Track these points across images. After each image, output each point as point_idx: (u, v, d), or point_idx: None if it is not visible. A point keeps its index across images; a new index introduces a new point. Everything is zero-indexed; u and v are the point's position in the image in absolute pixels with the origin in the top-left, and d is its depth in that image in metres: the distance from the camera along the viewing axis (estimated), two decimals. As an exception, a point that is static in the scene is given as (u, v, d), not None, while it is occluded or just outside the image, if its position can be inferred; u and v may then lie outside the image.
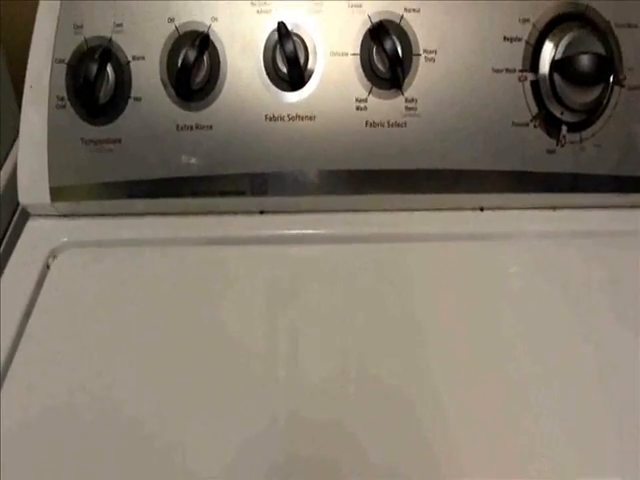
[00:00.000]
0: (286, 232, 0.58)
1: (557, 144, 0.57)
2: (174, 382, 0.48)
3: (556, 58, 0.56)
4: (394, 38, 0.55)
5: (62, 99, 0.57)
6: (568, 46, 0.55)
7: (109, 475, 0.43)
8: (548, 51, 0.56)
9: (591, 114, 0.57)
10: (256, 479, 0.43)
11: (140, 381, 0.48)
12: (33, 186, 0.58)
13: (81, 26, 0.57)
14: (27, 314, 0.52)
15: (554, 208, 0.59)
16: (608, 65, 0.55)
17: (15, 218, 0.61)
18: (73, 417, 0.46)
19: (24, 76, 0.58)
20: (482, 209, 0.59)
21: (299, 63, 0.55)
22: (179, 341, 0.50)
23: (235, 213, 0.59)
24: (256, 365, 0.49)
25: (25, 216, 0.59)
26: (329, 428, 0.45)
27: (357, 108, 0.56)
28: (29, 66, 0.58)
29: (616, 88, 0.57)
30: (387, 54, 0.55)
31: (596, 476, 0.43)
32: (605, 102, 0.57)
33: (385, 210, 0.59)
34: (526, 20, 0.56)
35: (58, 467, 0.44)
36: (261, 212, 0.59)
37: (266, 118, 0.57)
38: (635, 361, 0.49)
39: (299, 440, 0.45)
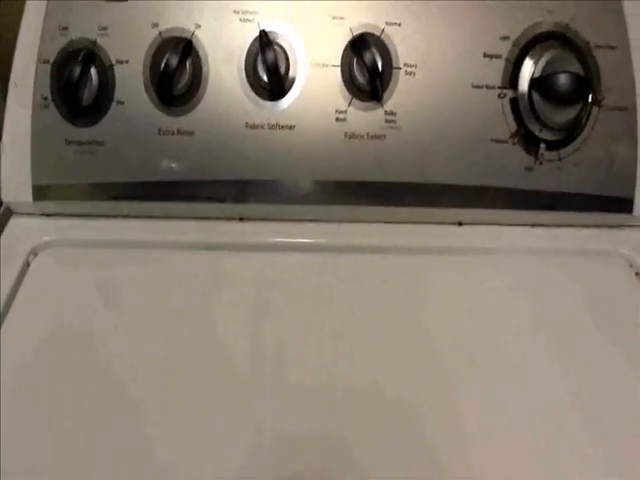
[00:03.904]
0: (265, 240, 0.59)
1: (535, 162, 0.57)
2: (152, 391, 0.48)
3: (535, 76, 0.56)
4: (374, 51, 0.55)
5: (46, 99, 0.58)
6: (547, 64, 0.56)
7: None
8: (528, 69, 0.56)
9: (570, 133, 0.57)
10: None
11: (116, 384, 0.48)
12: (16, 184, 0.58)
13: (66, 27, 0.58)
14: (5, 311, 0.53)
15: (532, 225, 0.59)
16: (586, 85, 0.55)
17: (-1, 216, 0.62)
18: (49, 418, 0.46)
19: (9, 75, 0.59)
20: (460, 224, 0.59)
21: (279, 72, 0.56)
22: (157, 345, 0.51)
23: (215, 219, 0.59)
24: (237, 375, 0.49)
25: (8, 214, 0.60)
26: (318, 440, 0.46)
27: (337, 119, 0.57)
28: (14, 65, 0.59)
29: (594, 108, 0.57)
30: (367, 66, 0.55)
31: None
32: (584, 121, 0.57)
33: (363, 221, 0.59)
34: (506, 38, 0.57)
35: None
36: (240, 219, 0.59)
37: (247, 126, 0.57)
38: (615, 375, 0.49)
39: (288, 453, 0.45)
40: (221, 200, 0.58)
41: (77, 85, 0.56)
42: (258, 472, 0.44)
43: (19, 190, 0.58)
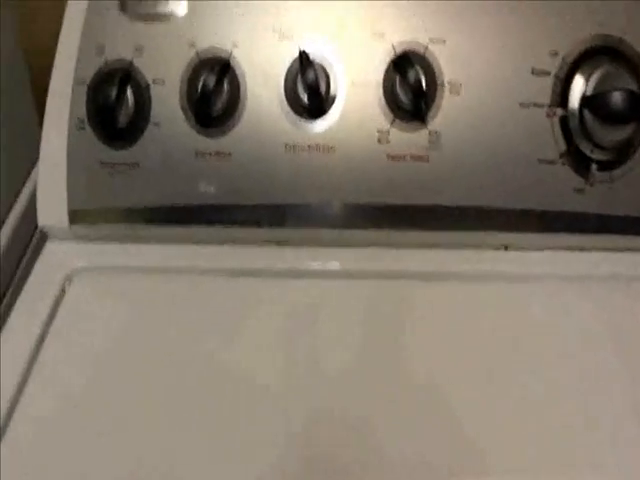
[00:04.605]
0: (302, 266, 0.57)
1: (586, 183, 0.55)
2: (185, 416, 0.47)
3: (586, 94, 0.54)
4: (418, 69, 0.53)
5: (82, 121, 0.57)
6: (599, 81, 0.53)
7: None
8: (578, 86, 0.54)
9: (623, 153, 0.55)
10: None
11: (152, 410, 0.48)
12: (52, 208, 0.58)
13: (102, 48, 0.57)
14: (41, 338, 0.52)
15: (581, 249, 0.57)
16: (640, 102, 0.53)
17: (34, 240, 0.61)
18: (83, 445, 0.46)
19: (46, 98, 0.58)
20: (506, 248, 0.57)
21: (320, 92, 0.54)
22: (192, 372, 0.50)
23: (251, 244, 0.58)
24: (269, 402, 0.48)
25: (44, 238, 0.59)
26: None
27: (379, 140, 0.55)
28: (51, 87, 0.58)
29: (650, 126, 0.54)
30: (410, 85, 0.53)
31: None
32: (637, 140, 0.55)
33: (405, 246, 0.57)
34: (555, 53, 0.54)
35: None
36: (278, 243, 0.58)
37: (286, 147, 0.55)
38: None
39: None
40: (258, 224, 0.56)
41: (113, 107, 0.55)
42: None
43: (55, 214, 0.58)
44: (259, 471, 0.44)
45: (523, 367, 0.50)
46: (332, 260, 0.57)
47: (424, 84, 0.54)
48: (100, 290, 0.56)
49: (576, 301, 0.54)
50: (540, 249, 0.56)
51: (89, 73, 0.57)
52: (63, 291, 0.56)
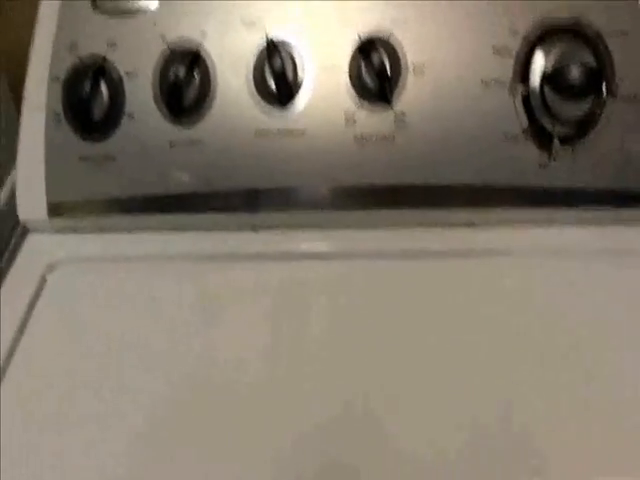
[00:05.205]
0: (278, 248, 0.58)
1: (549, 157, 0.56)
2: (167, 406, 0.48)
3: (546, 70, 0.55)
4: (382, 53, 0.55)
5: (58, 115, 0.58)
6: (558, 58, 0.55)
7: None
8: (539, 63, 0.55)
9: (584, 126, 0.56)
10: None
11: (132, 401, 0.48)
12: (31, 202, 0.59)
13: (76, 44, 0.58)
14: (23, 325, 0.53)
15: (547, 224, 0.58)
16: (598, 76, 0.54)
17: (16, 233, 0.62)
18: (64, 433, 0.47)
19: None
20: (474, 224, 0.58)
21: (287, 79, 0.56)
22: (172, 359, 0.51)
23: (227, 229, 0.59)
24: (251, 385, 0.49)
25: (25, 232, 0.61)
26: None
27: (346, 122, 0.56)
28: (27, 84, 0.60)
29: (609, 99, 0.56)
30: (375, 69, 0.55)
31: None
32: (598, 114, 0.56)
33: (376, 226, 0.58)
34: (516, 32, 0.56)
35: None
36: (253, 228, 0.59)
37: (256, 133, 0.57)
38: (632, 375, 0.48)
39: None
40: (233, 210, 0.58)
41: (88, 100, 0.57)
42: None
43: (34, 208, 0.59)
44: (247, 465, 0.44)
45: (496, 343, 0.50)
46: (306, 242, 0.58)
47: (388, 67, 0.55)
48: (80, 278, 0.57)
49: (543, 275, 0.55)
50: (507, 224, 0.57)
51: (64, 69, 0.58)
52: (44, 280, 0.57)
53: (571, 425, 0.45)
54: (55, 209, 0.59)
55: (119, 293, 0.56)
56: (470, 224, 0.58)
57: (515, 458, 0.44)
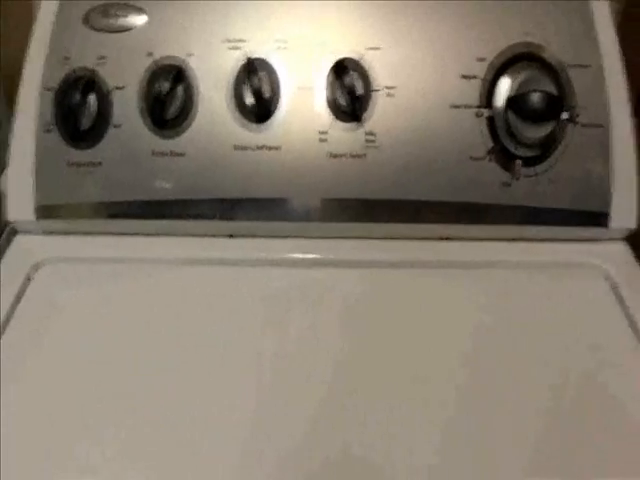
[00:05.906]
0: (252, 255, 0.61)
1: (512, 178, 0.59)
2: (151, 405, 0.49)
3: (510, 95, 0.58)
4: (354, 75, 0.58)
5: (49, 124, 0.61)
6: (522, 84, 0.58)
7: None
8: (503, 89, 0.59)
9: (545, 149, 0.59)
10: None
11: (114, 398, 0.50)
12: (20, 204, 0.62)
13: (68, 57, 0.61)
14: (5, 322, 0.55)
15: (512, 240, 0.61)
16: (559, 103, 0.57)
17: (5, 235, 0.65)
18: (45, 432, 0.48)
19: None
20: (442, 239, 0.61)
21: (264, 97, 0.59)
22: (151, 359, 0.53)
23: (204, 235, 0.62)
24: (243, 387, 0.50)
25: (13, 233, 0.64)
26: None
27: (320, 139, 0.59)
28: (20, 93, 0.63)
29: (570, 125, 0.59)
30: (347, 89, 0.58)
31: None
32: (558, 138, 0.59)
33: (347, 237, 0.61)
34: (482, 59, 0.59)
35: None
36: (230, 236, 0.62)
37: (235, 147, 0.60)
38: (589, 383, 0.51)
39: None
40: (211, 218, 0.61)
41: (77, 110, 0.60)
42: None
43: (23, 210, 0.62)
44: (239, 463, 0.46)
45: (465, 351, 0.53)
46: (278, 250, 0.61)
47: (360, 88, 0.58)
48: (65, 278, 0.60)
49: (508, 287, 0.58)
50: (471, 240, 0.61)
51: (55, 80, 0.62)
52: (29, 279, 0.59)
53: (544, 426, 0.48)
54: (43, 211, 0.62)
55: (101, 293, 0.59)
56: (437, 238, 0.61)
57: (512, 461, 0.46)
